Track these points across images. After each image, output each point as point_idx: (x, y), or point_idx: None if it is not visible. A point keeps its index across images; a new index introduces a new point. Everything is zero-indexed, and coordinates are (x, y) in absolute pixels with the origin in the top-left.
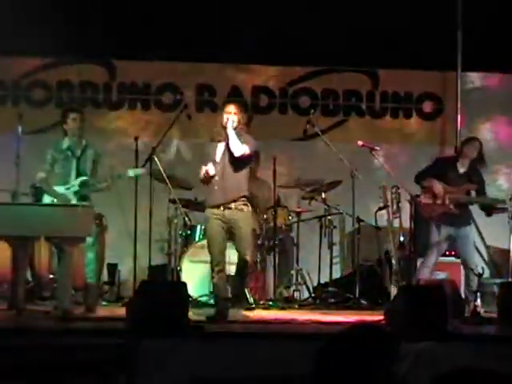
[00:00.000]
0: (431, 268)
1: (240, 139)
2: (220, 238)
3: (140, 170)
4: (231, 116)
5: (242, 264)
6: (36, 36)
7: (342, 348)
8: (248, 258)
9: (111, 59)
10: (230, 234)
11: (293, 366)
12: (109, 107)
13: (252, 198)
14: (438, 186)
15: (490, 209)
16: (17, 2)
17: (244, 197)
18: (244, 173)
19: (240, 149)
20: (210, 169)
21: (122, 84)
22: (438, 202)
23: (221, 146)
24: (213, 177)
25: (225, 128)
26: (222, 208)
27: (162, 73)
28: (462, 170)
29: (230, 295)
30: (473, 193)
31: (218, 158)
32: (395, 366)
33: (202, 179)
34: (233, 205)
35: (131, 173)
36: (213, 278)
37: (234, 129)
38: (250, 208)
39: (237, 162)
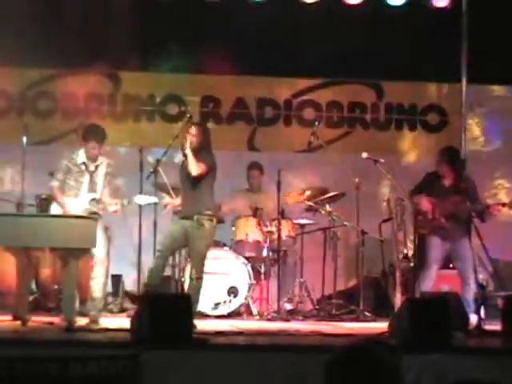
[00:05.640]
0: (433, 281)
1: (198, 158)
2: (176, 237)
3: (152, 200)
4: (191, 138)
5: (191, 280)
6: (41, 47)
7: (348, 364)
8: (193, 275)
9: (116, 70)
10: (186, 244)
11: (298, 378)
12: (113, 118)
13: (257, 210)
14: (425, 203)
15: (481, 214)
16: (21, 15)
17: (206, 213)
18: (203, 189)
19: (197, 168)
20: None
21: (127, 95)
22: (429, 216)
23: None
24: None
25: (183, 149)
26: (183, 219)
27: (167, 84)
28: (447, 183)
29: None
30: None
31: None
32: (400, 379)
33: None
34: (194, 218)
35: (141, 201)
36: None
37: (193, 150)
38: (213, 223)
39: (193, 180)
